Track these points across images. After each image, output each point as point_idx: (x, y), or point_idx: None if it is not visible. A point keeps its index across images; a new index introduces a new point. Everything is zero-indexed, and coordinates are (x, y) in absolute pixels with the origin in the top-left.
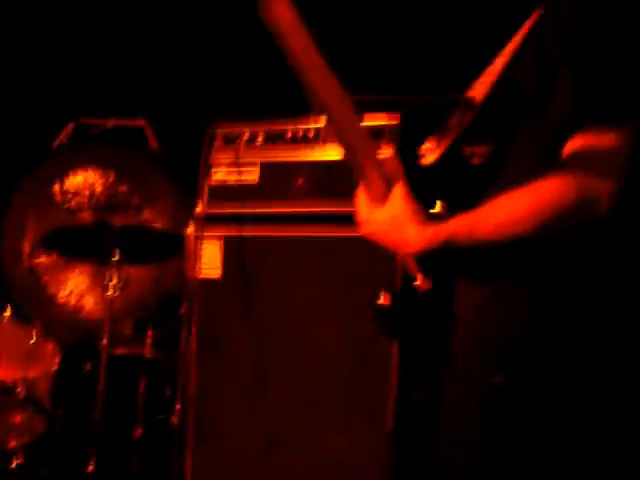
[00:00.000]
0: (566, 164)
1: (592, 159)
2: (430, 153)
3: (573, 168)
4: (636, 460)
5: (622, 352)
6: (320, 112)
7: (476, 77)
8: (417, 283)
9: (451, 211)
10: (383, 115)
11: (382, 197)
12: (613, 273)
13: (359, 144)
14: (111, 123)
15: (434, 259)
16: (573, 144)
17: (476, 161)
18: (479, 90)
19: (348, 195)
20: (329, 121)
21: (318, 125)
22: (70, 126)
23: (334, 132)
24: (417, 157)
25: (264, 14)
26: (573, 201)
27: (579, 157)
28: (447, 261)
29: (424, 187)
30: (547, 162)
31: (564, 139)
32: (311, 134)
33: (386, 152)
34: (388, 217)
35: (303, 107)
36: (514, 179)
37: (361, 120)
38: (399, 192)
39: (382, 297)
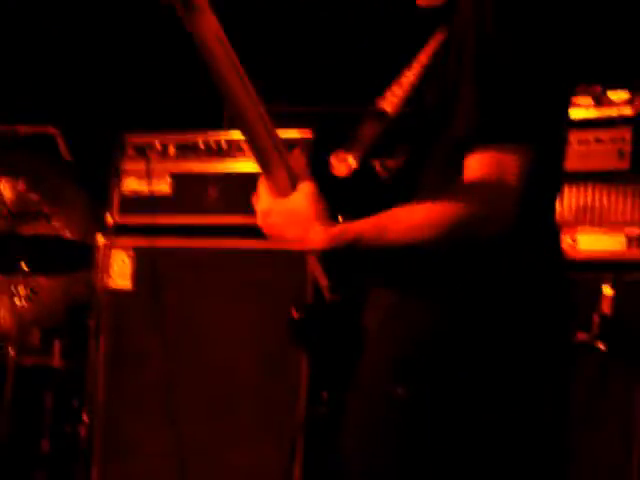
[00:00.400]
0: (466, 182)
1: (491, 178)
2: (341, 165)
3: (472, 186)
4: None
5: (521, 363)
6: (230, 109)
7: (386, 89)
8: (327, 294)
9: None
10: (295, 128)
11: (286, 191)
12: (511, 287)
13: (265, 137)
14: (22, 130)
15: (339, 261)
16: (473, 161)
17: (384, 174)
18: (390, 102)
19: None
20: (232, 111)
21: (231, 137)
22: None
23: (238, 123)
24: (328, 169)
25: (188, 24)
26: (472, 219)
27: (479, 175)
28: (353, 264)
29: (333, 200)
30: (450, 180)
31: (464, 155)
32: (223, 146)
33: (294, 152)
34: (290, 209)
35: (215, 119)
36: (421, 195)
37: (271, 119)
38: (305, 187)
39: (293, 309)
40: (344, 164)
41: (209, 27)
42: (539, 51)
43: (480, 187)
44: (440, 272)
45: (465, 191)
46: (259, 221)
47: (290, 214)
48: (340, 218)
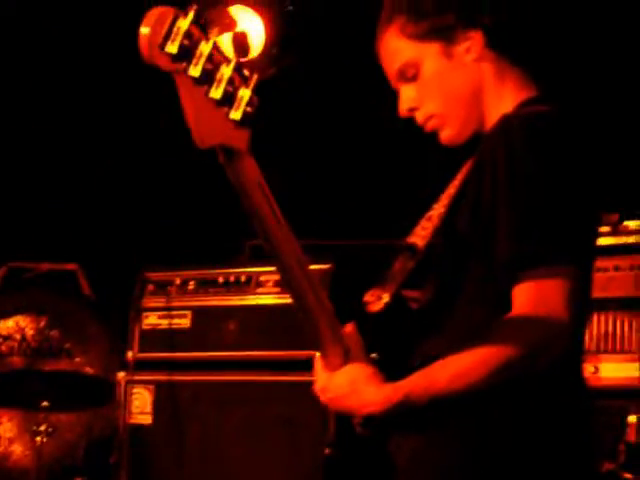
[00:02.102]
0: (515, 316)
1: (542, 311)
2: (375, 303)
3: (523, 323)
4: None
5: None
6: (284, 284)
7: (416, 223)
8: (358, 429)
9: (389, 358)
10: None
11: (339, 366)
12: (542, 423)
13: (319, 313)
14: (44, 267)
15: (390, 417)
16: (520, 292)
17: (415, 305)
18: (420, 236)
19: (279, 340)
20: (291, 294)
21: (249, 271)
22: (2, 270)
23: (298, 310)
24: (355, 305)
25: (229, 170)
26: (525, 350)
27: (527, 309)
28: (401, 418)
29: (368, 335)
30: (495, 308)
31: (510, 284)
32: (242, 280)
33: (347, 328)
34: (346, 381)
35: (234, 253)
36: (463, 327)
37: (319, 287)
38: (357, 361)
39: (325, 447)
40: (379, 301)
41: (250, 172)
42: (568, 177)
43: (532, 324)
44: (479, 411)
45: (515, 329)
46: (321, 398)
47: (346, 385)
48: (374, 355)
